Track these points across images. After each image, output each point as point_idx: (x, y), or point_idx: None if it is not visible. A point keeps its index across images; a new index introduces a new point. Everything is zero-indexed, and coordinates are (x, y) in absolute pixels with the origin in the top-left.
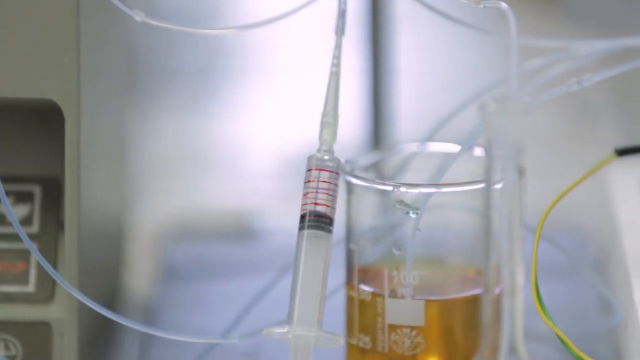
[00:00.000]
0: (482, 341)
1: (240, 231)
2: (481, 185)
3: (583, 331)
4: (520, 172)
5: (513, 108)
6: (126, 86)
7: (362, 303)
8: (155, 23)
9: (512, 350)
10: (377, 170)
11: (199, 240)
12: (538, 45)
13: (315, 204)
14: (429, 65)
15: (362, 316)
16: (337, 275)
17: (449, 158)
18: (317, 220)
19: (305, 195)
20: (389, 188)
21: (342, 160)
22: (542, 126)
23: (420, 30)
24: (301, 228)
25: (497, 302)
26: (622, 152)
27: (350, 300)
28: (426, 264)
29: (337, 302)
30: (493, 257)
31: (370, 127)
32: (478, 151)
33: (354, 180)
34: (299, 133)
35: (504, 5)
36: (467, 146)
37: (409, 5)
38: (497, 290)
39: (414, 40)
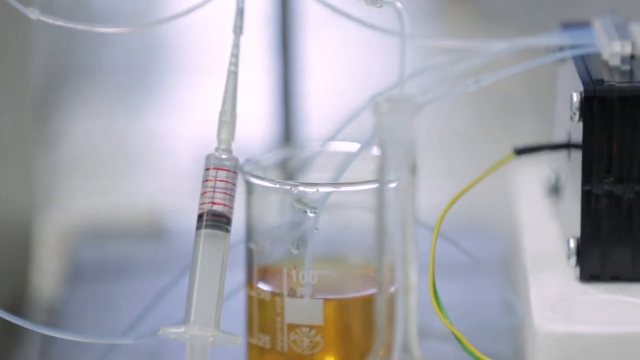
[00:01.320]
0: (376, 340)
1: (153, 231)
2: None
3: (486, 330)
4: (413, 171)
5: (404, 108)
6: (25, 86)
7: (262, 303)
8: (50, 21)
9: (406, 349)
10: (282, 170)
11: (110, 241)
12: (445, 46)
13: (213, 203)
14: (339, 65)
15: (261, 316)
16: (240, 275)
17: (349, 158)
18: (214, 220)
19: (203, 194)
20: (288, 188)
21: (243, 160)
22: (461, 125)
23: (330, 30)
24: (199, 228)
25: (391, 301)
26: (521, 151)
27: (250, 300)
28: (327, 264)
29: (241, 302)
30: (387, 256)
31: (281, 126)
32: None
33: (254, 180)
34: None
35: (399, 5)
36: (365, 146)
37: (319, 6)
38: (391, 290)
39: (323, 40)
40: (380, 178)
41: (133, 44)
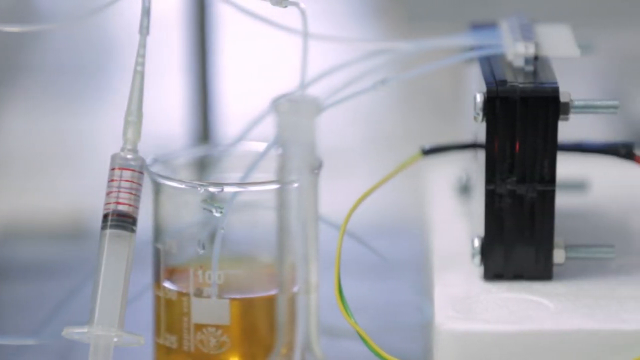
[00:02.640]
0: (277, 339)
1: (72, 231)
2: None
3: (396, 329)
4: (314, 171)
5: (305, 108)
6: None
7: (169, 302)
8: None
9: (308, 348)
10: (193, 169)
11: (29, 241)
12: (353, 45)
13: (118, 203)
14: (257, 64)
15: (168, 316)
16: (149, 274)
17: (256, 157)
18: (119, 220)
19: (107, 194)
20: (194, 187)
21: (151, 159)
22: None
23: (248, 29)
24: (103, 227)
25: (293, 300)
26: (428, 151)
27: (157, 300)
28: (234, 263)
29: (149, 302)
30: (288, 255)
31: (197, 126)
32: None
33: (160, 180)
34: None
35: (302, 5)
36: (271, 146)
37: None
38: (294, 289)
39: (239, 40)
40: (281, 178)
41: (68, 42)
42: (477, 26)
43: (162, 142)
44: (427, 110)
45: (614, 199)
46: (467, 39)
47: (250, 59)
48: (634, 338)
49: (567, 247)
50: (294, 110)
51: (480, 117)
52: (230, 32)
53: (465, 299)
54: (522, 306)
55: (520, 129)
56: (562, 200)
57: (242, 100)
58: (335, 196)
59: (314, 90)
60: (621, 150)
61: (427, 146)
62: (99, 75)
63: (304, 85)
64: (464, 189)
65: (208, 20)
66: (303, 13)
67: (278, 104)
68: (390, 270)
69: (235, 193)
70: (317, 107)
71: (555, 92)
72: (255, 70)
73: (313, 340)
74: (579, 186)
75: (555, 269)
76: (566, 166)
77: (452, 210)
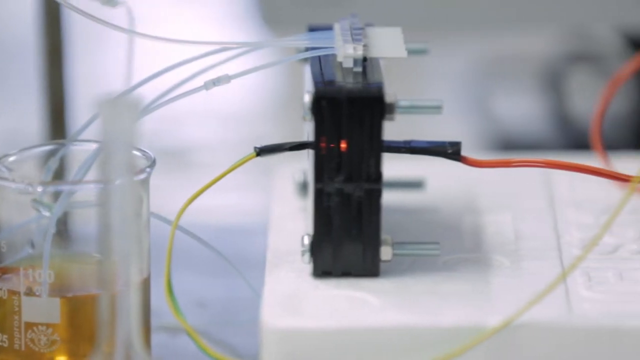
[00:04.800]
0: (99, 337)
1: None
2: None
3: (235, 327)
4: (140, 169)
5: (125, 107)
6: None
7: (0, 301)
8: None
9: (130, 345)
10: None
11: None
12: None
13: None
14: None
15: None
16: None
17: (90, 156)
18: None
19: None
20: (23, 186)
21: None
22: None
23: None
24: None
25: (115, 298)
26: (261, 151)
27: None
28: (67, 261)
29: None
30: (111, 253)
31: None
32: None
33: None
34: None
35: (128, 5)
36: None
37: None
38: (117, 287)
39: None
40: (103, 176)
41: None
42: (314, 28)
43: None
44: (289, 111)
45: (449, 198)
46: (302, 40)
47: (104, 60)
48: (453, 333)
49: (394, 244)
50: (114, 110)
51: (308, 116)
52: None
53: (293, 296)
54: (347, 303)
55: (347, 129)
56: (398, 199)
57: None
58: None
59: (146, 91)
60: (448, 150)
61: (260, 146)
62: None
63: (130, 85)
64: (304, 188)
65: (58, 26)
66: (130, 12)
67: (99, 103)
68: (233, 268)
69: (67, 192)
70: (137, 107)
71: (380, 92)
72: (108, 72)
73: (135, 338)
74: (416, 185)
75: (383, 266)
76: (406, 165)
77: (291, 208)
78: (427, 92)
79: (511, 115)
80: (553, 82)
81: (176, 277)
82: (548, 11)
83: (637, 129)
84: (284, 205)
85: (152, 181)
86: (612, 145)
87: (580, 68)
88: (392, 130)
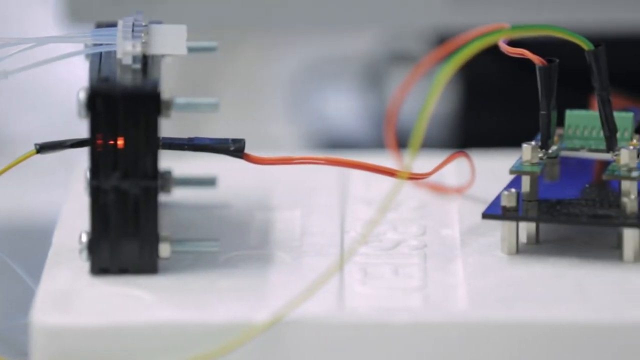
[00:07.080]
0: None
1: None
2: None
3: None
4: None
5: None
6: None
7: None
8: None
9: None
10: None
11: None
12: None
13: None
14: None
15: None
16: None
17: None
18: None
19: None
20: None
21: None
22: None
23: None
24: None
25: None
26: (42, 148)
27: None
28: None
29: None
30: None
31: None
32: None
33: None
34: None
35: None
36: None
37: None
38: None
39: None
40: None
41: None
42: (101, 25)
43: None
44: None
45: (242, 196)
46: (85, 37)
47: None
48: (222, 329)
49: (173, 241)
50: None
51: (83, 113)
52: None
53: (67, 293)
54: (121, 300)
55: (123, 126)
56: (190, 196)
57: None
58: None
59: None
60: (231, 147)
61: (40, 143)
62: None
63: None
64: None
65: None
66: None
67: None
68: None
69: None
70: None
71: (154, 89)
72: None
73: None
74: (208, 182)
75: (164, 263)
76: (212, 164)
77: (82, 205)
78: (257, 94)
79: (337, 115)
80: (374, 81)
81: None
82: (368, 13)
83: (458, 129)
84: (75, 202)
85: None
86: (435, 144)
87: (398, 68)
88: (220, 130)
